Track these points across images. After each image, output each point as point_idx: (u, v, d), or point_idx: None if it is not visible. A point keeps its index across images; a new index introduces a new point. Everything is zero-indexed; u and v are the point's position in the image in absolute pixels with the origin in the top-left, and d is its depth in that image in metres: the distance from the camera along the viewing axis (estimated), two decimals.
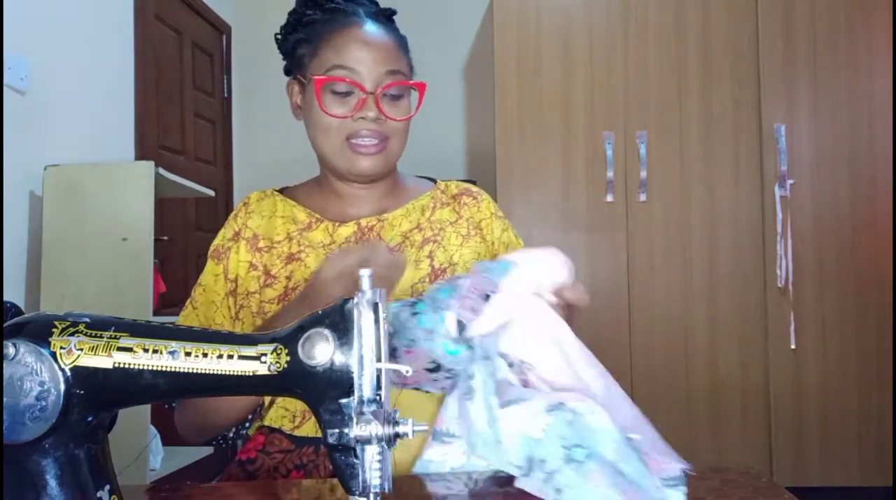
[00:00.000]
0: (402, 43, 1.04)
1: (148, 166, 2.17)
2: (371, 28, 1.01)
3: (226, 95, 3.83)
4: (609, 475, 0.65)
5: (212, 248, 1.05)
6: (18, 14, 2.19)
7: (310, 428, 0.94)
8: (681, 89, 2.75)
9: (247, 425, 1.06)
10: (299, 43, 1.04)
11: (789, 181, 2.66)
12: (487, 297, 0.77)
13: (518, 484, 0.69)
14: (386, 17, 1.05)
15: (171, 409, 1.00)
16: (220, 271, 1.02)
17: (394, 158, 1.04)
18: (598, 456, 0.67)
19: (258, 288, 0.99)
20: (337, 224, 1.03)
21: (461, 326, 0.77)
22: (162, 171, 2.23)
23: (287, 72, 1.08)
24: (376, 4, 1.06)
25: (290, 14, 1.06)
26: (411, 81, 1.02)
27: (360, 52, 0.98)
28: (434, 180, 1.15)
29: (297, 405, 0.95)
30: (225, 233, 1.05)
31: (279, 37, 1.07)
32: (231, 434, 2.39)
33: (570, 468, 0.66)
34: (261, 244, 1.02)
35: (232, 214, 1.07)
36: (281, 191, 1.10)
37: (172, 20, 3.28)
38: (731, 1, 2.74)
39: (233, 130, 3.87)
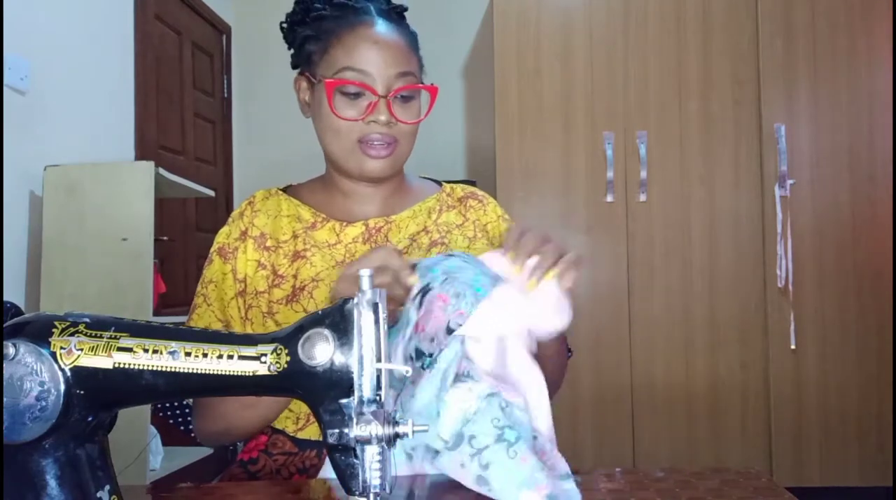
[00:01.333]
0: (412, 42, 1.02)
1: (148, 166, 2.17)
2: (382, 27, 0.98)
3: (226, 95, 3.83)
4: (535, 460, 0.69)
5: (217, 245, 1.03)
6: (18, 14, 2.19)
7: (313, 431, 0.93)
8: (681, 89, 2.75)
9: None
10: (308, 39, 1.01)
11: (789, 181, 2.66)
12: (450, 330, 0.75)
13: (437, 463, 0.71)
14: (397, 15, 1.03)
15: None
16: (229, 270, 1.00)
17: (402, 159, 1.03)
18: (526, 441, 0.71)
19: (267, 288, 0.98)
20: (344, 224, 1.02)
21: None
22: (162, 171, 2.23)
23: (294, 66, 1.05)
24: (388, 1, 1.04)
25: (297, 3, 1.03)
26: (423, 85, 1.00)
27: (370, 53, 0.96)
28: (439, 182, 1.14)
29: (301, 406, 0.94)
30: (231, 232, 1.03)
31: (284, 26, 1.04)
32: None
33: (501, 446, 0.69)
34: (268, 243, 1.01)
35: (237, 212, 1.05)
36: (285, 190, 1.09)
37: (172, 20, 3.28)
38: (731, 1, 2.74)
39: (233, 130, 3.87)
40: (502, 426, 0.70)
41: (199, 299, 1.01)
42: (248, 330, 0.97)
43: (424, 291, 0.77)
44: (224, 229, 1.04)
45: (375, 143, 0.97)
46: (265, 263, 0.99)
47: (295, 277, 0.98)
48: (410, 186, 1.10)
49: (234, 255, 1.01)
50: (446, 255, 0.83)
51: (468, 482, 0.70)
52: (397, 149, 0.99)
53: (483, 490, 0.69)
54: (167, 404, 2.39)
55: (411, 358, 0.76)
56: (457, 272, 0.78)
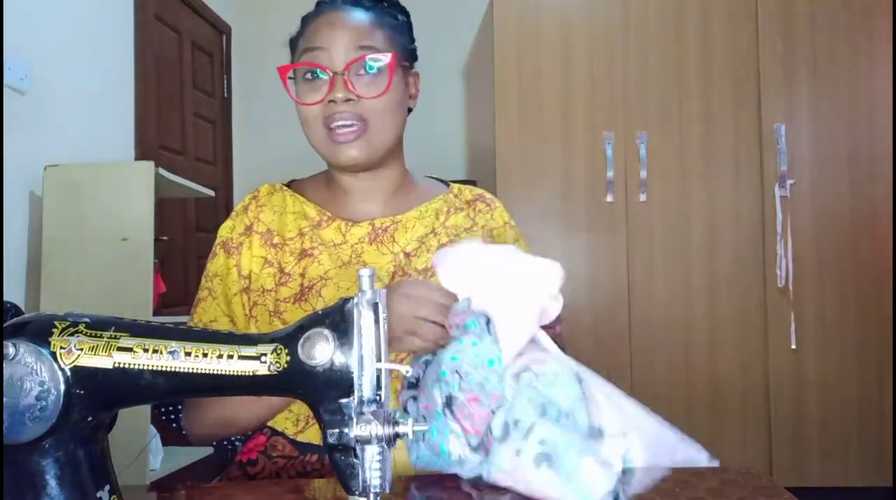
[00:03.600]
0: (380, 20, 0.97)
1: (148, 166, 2.17)
2: (346, 11, 0.96)
3: (226, 94, 3.83)
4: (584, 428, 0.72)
5: (220, 239, 1.00)
6: (18, 14, 2.19)
7: (313, 434, 0.91)
8: (681, 89, 2.74)
9: None
10: (292, 41, 1.02)
11: (789, 181, 2.66)
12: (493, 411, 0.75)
13: (493, 462, 0.72)
14: (373, 1, 0.99)
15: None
16: (233, 265, 0.98)
17: (380, 142, 0.96)
18: (569, 410, 0.73)
19: (274, 286, 0.96)
20: (350, 223, 1.00)
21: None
22: (162, 171, 2.23)
23: None
24: None
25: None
26: (378, 53, 0.93)
27: (328, 33, 0.94)
28: (446, 183, 1.11)
29: (301, 408, 0.92)
30: (235, 226, 1.00)
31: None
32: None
33: (545, 420, 0.71)
34: (275, 240, 0.98)
35: (240, 206, 1.02)
36: (288, 185, 1.07)
37: (172, 20, 3.28)
38: (731, 1, 2.74)
39: (233, 130, 3.87)
40: (542, 402, 0.73)
41: (203, 292, 0.99)
42: (253, 328, 0.96)
43: (449, 402, 0.76)
44: (227, 223, 1.02)
45: (340, 123, 0.93)
46: (272, 260, 0.97)
47: (302, 275, 0.96)
48: (415, 185, 1.08)
49: (238, 250, 0.99)
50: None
51: (527, 468, 0.70)
52: (368, 130, 0.94)
53: (543, 469, 0.70)
54: (167, 407, 2.39)
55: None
56: (460, 361, 0.76)
